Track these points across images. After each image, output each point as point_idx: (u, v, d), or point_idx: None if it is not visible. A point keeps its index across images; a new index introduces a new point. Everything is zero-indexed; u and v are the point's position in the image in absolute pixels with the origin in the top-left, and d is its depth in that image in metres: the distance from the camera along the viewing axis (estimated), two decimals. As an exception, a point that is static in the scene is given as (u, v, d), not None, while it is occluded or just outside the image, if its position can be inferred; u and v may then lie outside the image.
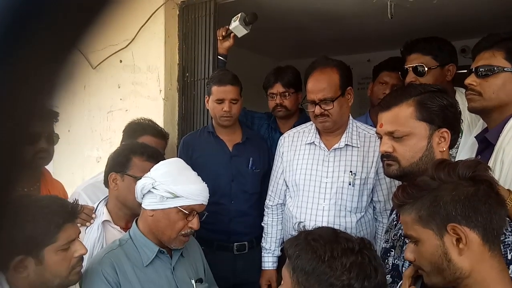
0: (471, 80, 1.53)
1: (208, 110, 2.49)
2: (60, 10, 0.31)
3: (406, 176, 1.31)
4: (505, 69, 1.46)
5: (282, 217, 2.14)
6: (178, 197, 1.45)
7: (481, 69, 1.50)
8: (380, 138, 1.37)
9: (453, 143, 1.34)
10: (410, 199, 1.02)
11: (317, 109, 1.83)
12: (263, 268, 2.17)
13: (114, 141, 2.89)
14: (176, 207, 1.46)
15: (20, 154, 0.35)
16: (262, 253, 2.18)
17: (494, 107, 1.50)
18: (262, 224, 2.20)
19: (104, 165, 1.79)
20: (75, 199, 1.37)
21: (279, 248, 2.16)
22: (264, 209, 2.23)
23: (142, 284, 1.46)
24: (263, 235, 2.19)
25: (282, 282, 1.10)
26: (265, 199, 2.22)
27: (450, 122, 1.29)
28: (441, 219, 0.96)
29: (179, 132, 2.80)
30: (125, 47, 2.86)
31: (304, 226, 1.14)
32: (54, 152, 1.86)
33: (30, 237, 1.19)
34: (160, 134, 2.29)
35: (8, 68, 0.31)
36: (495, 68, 1.47)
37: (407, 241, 1.35)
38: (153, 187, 1.46)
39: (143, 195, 1.50)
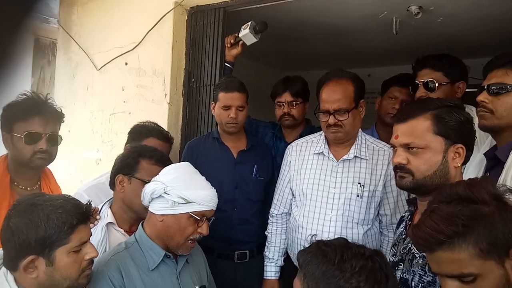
0: (483, 97, 1.55)
1: (212, 116, 2.48)
2: None
3: (419, 188, 1.31)
4: (517, 88, 1.48)
5: (286, 227, 2.12)
6: (190, 202, 1.45)
7: (493, 87, 1.52)
8: (394, 149, 1.38)
9: (467, 159, 1.34)
10: (463, 231, 0.92)
11: (331, 119, 1.83)
12: (265, 277, 2.14)
13: (115, 143, 2.86)
14: (188, 212, 1.45)
15: None
16: (265, 262, 2.15)
17: (505, 126, 1.52)
18: (266, 233, 2.18)
19: (104, 168, 1.76)
20: (89, 200, 1.34)
21: (282, 258, 2.14)
22: (266, 218, 2.21)
23: (147, 288, 1.43)
24: (266, 244, 2.17)
25: None
26: (268, 208, 2.20)
27: (466, 138, 1.29)
28: (501, 245, 0.92)
29: (182, 137, 2.78)
30: (132, 49, 2.85)
31: (315, 238, 1.13)
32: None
33: (42, 237, 1.17)
34: (166, 137, 2.28)
35: None
36: (508, 87, 1.49)
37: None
38: (164, 192, 1.45)
39: (152, 199, 1.49)
